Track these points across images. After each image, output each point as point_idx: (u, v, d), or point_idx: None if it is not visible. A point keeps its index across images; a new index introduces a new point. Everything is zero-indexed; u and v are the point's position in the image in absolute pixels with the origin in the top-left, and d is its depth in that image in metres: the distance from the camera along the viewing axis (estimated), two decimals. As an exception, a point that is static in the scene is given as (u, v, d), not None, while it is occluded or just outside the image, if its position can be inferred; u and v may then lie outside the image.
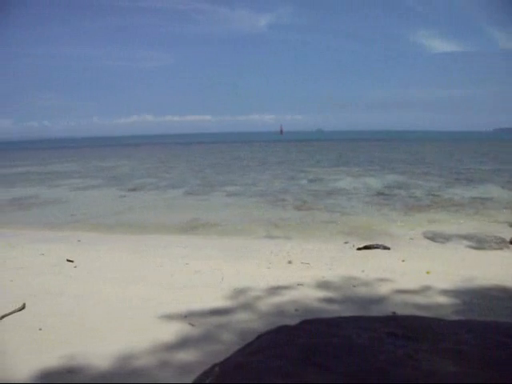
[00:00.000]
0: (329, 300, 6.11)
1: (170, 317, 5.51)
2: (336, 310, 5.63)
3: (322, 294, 6.35)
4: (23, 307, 6.06)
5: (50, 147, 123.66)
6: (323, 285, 6.80)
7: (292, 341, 2.00)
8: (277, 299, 6.13)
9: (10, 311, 5.87)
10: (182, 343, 4.75)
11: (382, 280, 7.06)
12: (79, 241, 11.51)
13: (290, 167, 32.78)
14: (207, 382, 1.94)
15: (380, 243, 9.99)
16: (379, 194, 18.87)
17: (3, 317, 5.69)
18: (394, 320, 2.33)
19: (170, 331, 5.05)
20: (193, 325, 5.22)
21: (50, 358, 4.49)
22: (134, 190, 22.54)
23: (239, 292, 6.53)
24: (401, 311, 5.46)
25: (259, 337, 2.28)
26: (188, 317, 5.48)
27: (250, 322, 5.32)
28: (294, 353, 1.91)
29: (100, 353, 4.54)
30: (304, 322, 2.31)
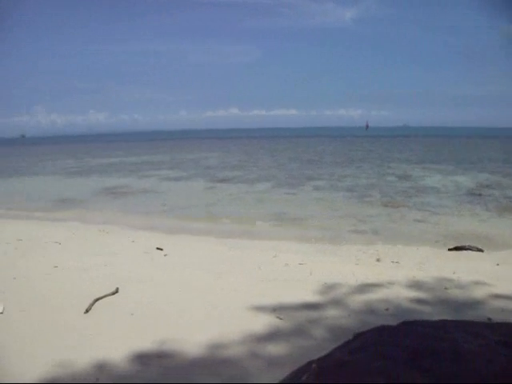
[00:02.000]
0: (420, 301, 5.90)
1: (259, 309, 5.51)
2: (429, 312, 5.43)
3: (412, 294, 6.14)
4: (116, 292, 6.27)
5: (139, 139, 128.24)
6: (414, 285, 6.57)
7: (395, 342, 1.91)
8: (367, 297, 5.99)
9: (103, 295, 6.09)
10: (272, 336, 4.73)
11: (475, 283, 6.73)
12: (169, 230, 11.83)
13: (376, 163, 32.10)
14: (303, 378, 1.88)
15: (472, 245, 9.57)
16: (470, 193, 18.00)
17: (97, 300, 5.90)
18: (506, 327, 2.18)
19: (260, 323, 5.04)
20: (281, 318, 5.19)
21: (142, 343, 4.61)
22: (222, 181, 22.86)
23: (328, 287, 6.43)
24: (497, 318, 5.18)
25: (358, 335, 2.21)
26: (277, 310, 5.45)
27: (341, 319, 5.22)
28: (398, 354, 1.82)
29: (191, 340, 4.61)
30: (404, 323, 2.21)
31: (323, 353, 2.03)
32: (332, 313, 5.42)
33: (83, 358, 4.29)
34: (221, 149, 58.67)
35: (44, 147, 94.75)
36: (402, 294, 6.09)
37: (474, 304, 5.83)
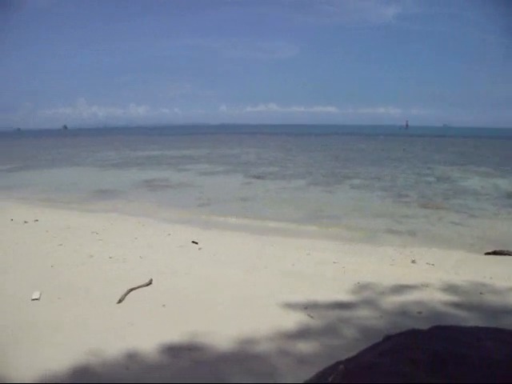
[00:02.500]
0: (454, 305, 5.79)
1: (290, 306, 5.51)
2: (462, 317, 5.33)
3: (446, 297, 6.03)
4: (150, 283, 6.36)
5: (179, 133, 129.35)
6: (448, 288, 6.45)
7: (425, 347, 1.88)
8: (400, 298, 5.91)
9: (137, 285, 6.19)
10: (302, 334, 4.72)
11: (512, 290, 6.58)
12: (204, 224, 11.91)
13: (414, 163, 31.56)
14: (330, 379, 1.87)
15: (511, 250, 9.33)
16: (510, 196, 17.58)
17: (131, 290, 6.01)
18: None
19: (291, 320, 5.04)
20: (312, 316, 5.18)
21: (172, 334, 4.68)
22: (258, 177, 22.88)
23: (361, 287, 6.38)
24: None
25: (388, 338, 2.17)
26: (308, 308, 5.44)
27: (372, 320, 5.18)
28: (427, 360, 1.79)
29: (221, 334, 4.65)
30: (436, 328, 2.17)
31: (352, 353, 2.01)
32: (364, 313, 5.38)
33: (114, 346, 4.38)
34: (259, 144, 58.72)
35: (85, 139, 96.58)
36: (436, 297, 6.00)
37: (510, 311, 5.70)
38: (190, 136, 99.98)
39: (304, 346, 4.42)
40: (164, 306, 5.54)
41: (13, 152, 52.74)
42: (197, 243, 9.10)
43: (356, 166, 28.95)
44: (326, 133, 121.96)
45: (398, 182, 21.52)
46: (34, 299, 5.72)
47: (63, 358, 4.16)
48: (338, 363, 2.21)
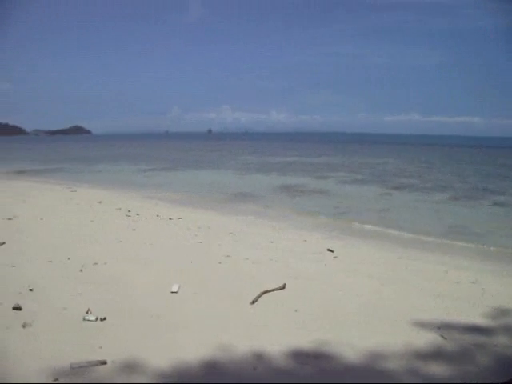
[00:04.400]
0: None
1: (422, 324, 5.27)
2: None
3: None
4: (283, 287, 6.43)
5: (317, 140, 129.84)
6: None
7: None
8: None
9: (271, 288, 6.28)
10: (434, 355, 4.48)
11: None
12: (341, 232, 11.86)
13: None
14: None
15: None
16: None
17: (264, 293, 6.10)
18: None
19: (422, 340, 4.81)
20: (445, 338, 4.92)
21: (302, 340, 4.67)
22: (397, 188, 22.29)
23: (501, 312, 5.90)
24: None
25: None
26: (442, 328, 5.15)
27: (510, 349, 4.79)
28: None
29: (350, 345, 4.56)
30: None
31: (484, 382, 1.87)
32: (501, 340, 4.94)
33: (244, 345, 4.48)
34: (398, 155, 57.11)
35: (227, 142, 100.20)
36: None
37: None
38: (326, 144, 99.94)
39: (435, 368, 4.18)
40: (296, 311, 5.56)
41: (161, 153, 56.14)
42: (332, 251, 9.06)
43: (502, 181, 27.09)
44: (469, 144, 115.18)
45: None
46: (172, 292, 6.02)
47: (195, 350, 4.33)
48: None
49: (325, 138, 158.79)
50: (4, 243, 8.22)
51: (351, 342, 4.66)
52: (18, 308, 5.16)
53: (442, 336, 4.95)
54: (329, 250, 9.18)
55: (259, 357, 4.27)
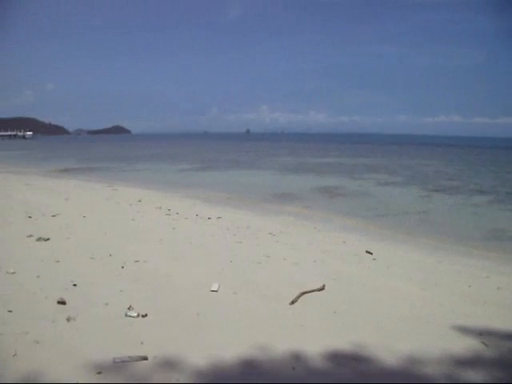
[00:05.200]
0: None
1: (463, 330, 5.18)
2: None
3: None
4: (322, 288, 6.42)
5: (356, 141, 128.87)
6: None
7: None
8: None
9: (310, 289, 6.29)
10: (473, 362, 4.40)
11: None
12: (379, 234, 11.78)
13: None
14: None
15: None
16: None
17: (303, 293, 6.11)
18: None
19: (462, 345, 4.73)
20: (486, 345, 4.82)
21: (340, 342, 4.68)
22: (436, 191, 21.93)
23: (546, 319, 5.78)
24: None
25: None
26: (483, 335, 5.06)
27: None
28: None
29: (389, 348, 4.54)
30: None
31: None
32: None
33: (282, 345, 4.51)
34: (439, 157, 56.14)
35: (265, 143, 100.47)
36: None
37: None
38: (366, 145, 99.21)
39: (474, 376, 4.11)
40: (335, 312, 5.56)
41: (199, 153, 56.57)
42: (371, 253, 9.01)
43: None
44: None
45: None
46: (212, 290, 6.09)
47: (233, 348, 4.39)
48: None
49: (364, 139, 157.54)
50: (49, 239, 8.49)
51: (390, 345, 4.64)
52: (62, 302, 5.31)
53: (483, 343, 4.85)
54: (367, 252, 9.13)
55: (298, 357, 4.30)
